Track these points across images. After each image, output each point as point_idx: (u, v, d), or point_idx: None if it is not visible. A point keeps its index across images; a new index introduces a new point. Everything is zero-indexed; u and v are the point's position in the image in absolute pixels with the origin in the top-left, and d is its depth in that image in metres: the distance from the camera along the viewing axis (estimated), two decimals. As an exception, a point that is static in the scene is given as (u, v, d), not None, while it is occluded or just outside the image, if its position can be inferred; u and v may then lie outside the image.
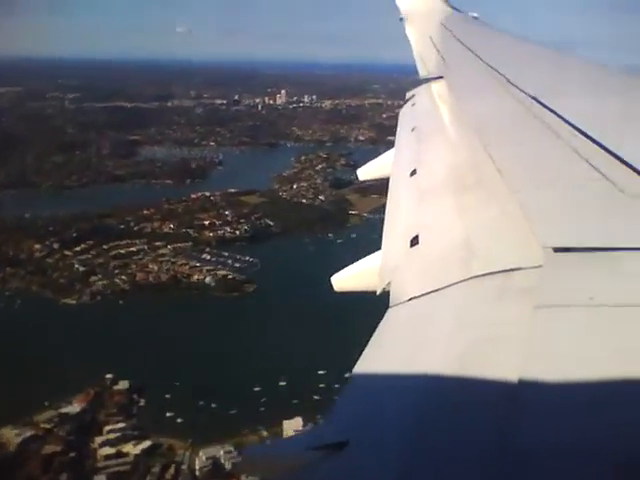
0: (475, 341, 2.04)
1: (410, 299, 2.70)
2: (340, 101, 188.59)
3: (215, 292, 70.69)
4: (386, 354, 2.33)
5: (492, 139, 4.16)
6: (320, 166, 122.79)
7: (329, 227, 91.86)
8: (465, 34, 10.35)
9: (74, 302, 67.39)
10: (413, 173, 4.67)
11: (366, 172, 7.12)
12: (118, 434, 46.49)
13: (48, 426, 46.61)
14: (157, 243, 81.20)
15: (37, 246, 77.03)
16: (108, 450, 44.64)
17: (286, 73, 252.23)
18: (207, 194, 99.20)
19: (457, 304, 2.47)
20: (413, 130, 6.30)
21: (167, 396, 50.83)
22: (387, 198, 4.58)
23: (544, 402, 1.54)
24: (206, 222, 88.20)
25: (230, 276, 73.88)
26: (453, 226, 3.38)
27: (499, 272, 2.46)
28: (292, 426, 47.08)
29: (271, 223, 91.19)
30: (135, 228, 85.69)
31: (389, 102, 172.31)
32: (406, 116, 7.40)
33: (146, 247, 79.97)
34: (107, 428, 47.20)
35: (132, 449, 45.06)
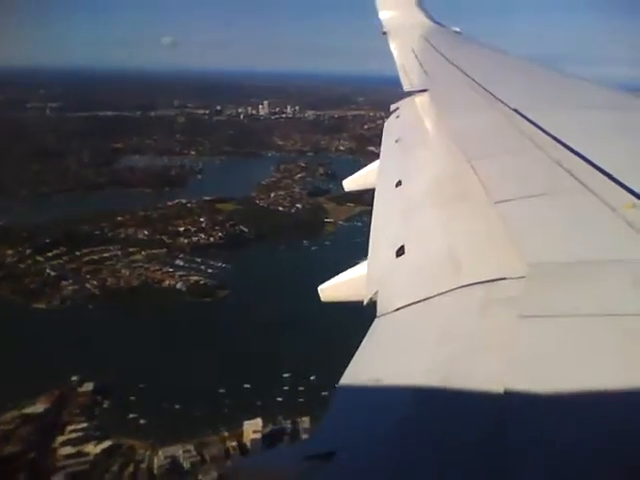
0: (461, 351, 2.06)
1: (397, 309, 2.71)
2: (323, 112, 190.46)
3: (186, 297, 71.20)
4: (373, 364, 2.33)
5: (475, 151, 4.22)
6: (299, 175, 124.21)
7: (304, 234, 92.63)
8: (448, 48, 10.62)
9: (44, 306, 67.76)
10: (398, 184, 4.69)
11: (351, 183, 7.05)
12: (80, 434, 46.93)
13: (10, 427, 46.71)
14: (131, 249, 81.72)
15: (9, 252, 77.20)
16: (68, 450, 45.00)
17: (271, 84, 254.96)
18: (183, 201, 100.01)
19: (443, 314, 2.49)
20: (397, 142, 6.31)
21: (132, 398, 51.44)
22: (372, 208, 4.59)
23: (530, 412, 1.56)
24: (181, 229, 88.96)
25: (202, 282, 74.63)
26: (438, 236, 3.41)
27: (484, 282, 2.49)
28: (252, 427, 47.98)
29: (246, 230, 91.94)
30: (109, 234, 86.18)
31: (371, 113, 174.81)
32: (391, 128, 7.31)
33: (119, 253, 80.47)
34: (69, 428, 47.54)
35: (93, 449, 45.47)
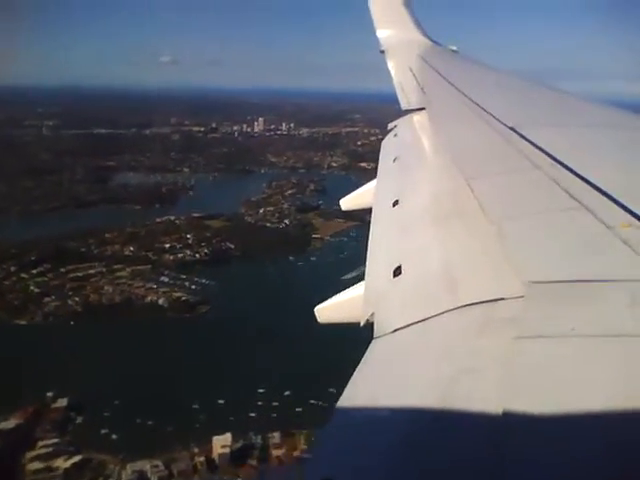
0: (460, 372, 2.03)
1: (394, 330, 2.67)
2: (317, 129, 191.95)
3: (167, 313, 71.91)
4: (371, 386, 2.30)
5: (472, 170, 4.20)
6: (290, 191, 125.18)
7: (290, 250, 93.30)
8: (445, 67, 10.59)
9: (26, 323, 68.45)
10: (395, 203, 4.65)
11: (349, 202, 6.91)
12: (50, 449, 47.30)
13: (-20, 442, 47.13)
14: (116, 266, 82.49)
15: (-5, 268, 78.10)
16: (37, 465, 45.41)
17: (267, 102, 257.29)
18: (172, 218, 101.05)
19: (441, 335, 2.47)
20: (395, 160, 6.25)
21: (106, 414, 51.77)
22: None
23: (528, 433, 1.56)
24: (167, 245, 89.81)
25: (184, 298, 75.30)
26: (435, 256, 3.36)
27: (482, 302, 2.47)
28: (221, 442, 48.36)
29: (232, 246, 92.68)
30: (95, 251, 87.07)
31: (365, 130, 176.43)
32: (388, 147, 7.27)
33: (104, 270, 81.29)
34: (40, 444, 47.89)
35: (62, 464, 45.84)
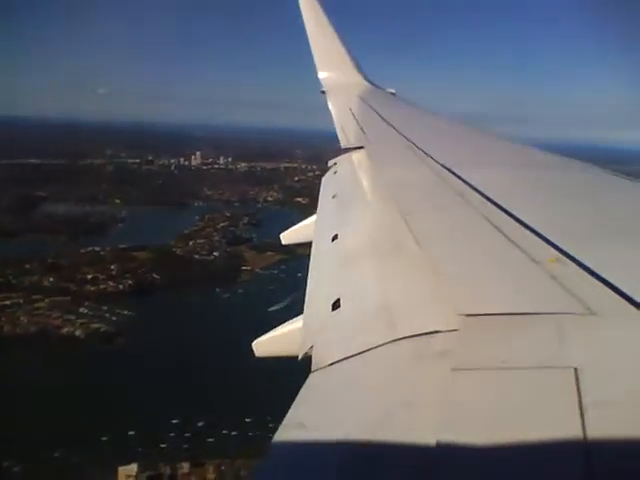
0: (394, 405, 2.05)
1: (332, 363, 2.67)
2: (256, 164, 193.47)
3: (83, 344, 70.34)
4: (307, 420, 2.26)
5: (409, 207, 4.32)
6: (222, 224, 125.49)
7: (218, 282, 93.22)
8: (383, 108, 10.91)
9: None
10: (335, 238, 4.70)
11: (289, 236, 6.96)
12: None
13: None
14: (34, 296, 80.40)
15: None
16: None
17: (207, 136, 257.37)
18: (97, 249, 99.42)
19: (378, 368, 2.49)
20: (335, 197, 6.37)
21: (9, 445, 49.99)
22: (309, 262, 4.55)
23: (461, 464, 1.59)
24: (89, 276, 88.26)
25: (103, 329, 74.09)
26: (373, 290, 3.40)
27: (418, 335, 2.51)
28: (127, 472, 47.61)
29: (157, 278, 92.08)
30: (13, 281, 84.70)
31: (304, 166, 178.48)
32: (328, 183, 7.39)
33: (21, 300, 79.10)
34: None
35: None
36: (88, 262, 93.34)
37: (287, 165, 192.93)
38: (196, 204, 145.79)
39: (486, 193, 4.25)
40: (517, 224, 3.50)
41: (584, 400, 1.72)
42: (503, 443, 1.59)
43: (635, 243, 3.24)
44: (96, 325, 74.67)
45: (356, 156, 7.79)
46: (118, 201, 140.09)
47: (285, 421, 2.21)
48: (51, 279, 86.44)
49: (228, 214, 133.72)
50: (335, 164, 8.10)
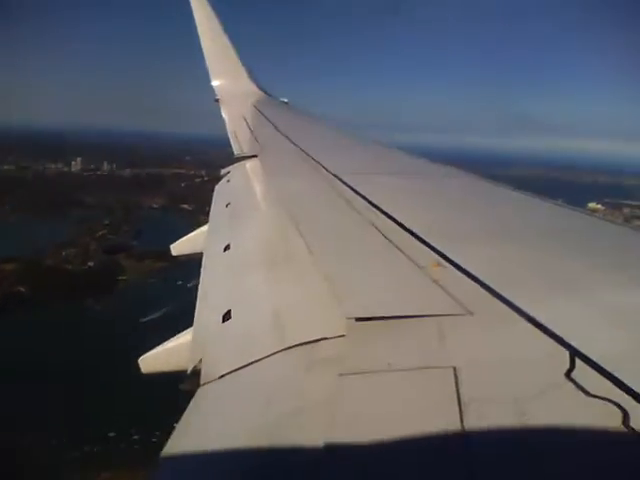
0: (284, 413, 2.09)
1: (221, 376, 2.66)
2: (142, 170, 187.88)
3: None
4: (197, 433, 2.28)
5: (301, 215, 4.32)
6: (101, 232, 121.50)
7: (91, 293, 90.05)
8: (277, 117, 11.06)
9: None
10: (227, 248, 4.65)
11: (179, 247, 6.78)
12: None
13: None
14: None
15: None
16: None
17: (91, 141, 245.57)
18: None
19: (267, 377, 2.50)
20: (228, 206, 6.29)
21: None
22: (200, 273, 4.48)
23: (349, 463, 1.66)
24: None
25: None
26: (264, 300, 3.40)
27: (306, 343, 2.55)
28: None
29: (23, 290, 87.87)
30: None
31: (192, 172, 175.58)
32: (221, 192, 7.35)
33: None
34: None
35: None
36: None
37: (175, 171, 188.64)
38: (74, 212, 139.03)
39: (373, 200, 4.36)
40: (402, 230, 3.62)
41: (462, 397, 1.83)
42: (389, 440, 1.67)
43: (508, 245, 3.42)
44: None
45: (250, 165, 7.82)
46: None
47: (173, 435, 2.23)
48: None
49: (108, 222, 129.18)
50: (228, 173, 8.16)
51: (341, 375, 2.07)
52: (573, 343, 2.12)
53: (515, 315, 2.40)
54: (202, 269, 4.59)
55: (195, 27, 14.15)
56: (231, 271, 4.20)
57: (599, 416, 1.69)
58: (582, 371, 1.95)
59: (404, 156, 7.55)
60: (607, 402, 1.75)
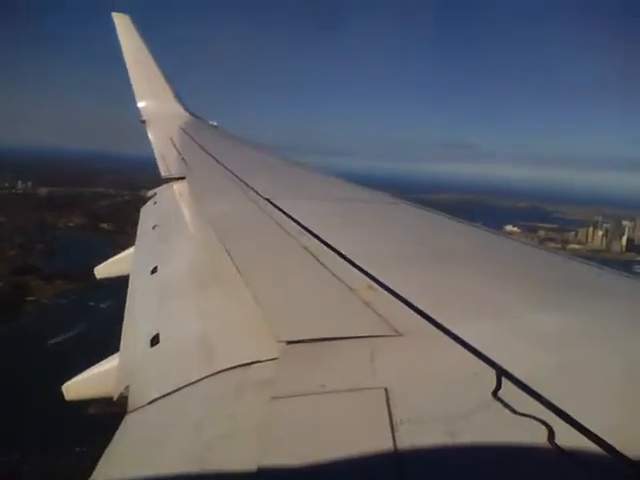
0: (216, 437, 2.06)
1: (150, 402, 2.59)
2: (59, 188, 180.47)
3: None
4: (123, 462, 2.22)
5: (230, 237, 4.25)
6: (12, 252, 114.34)
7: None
8: (206, 140, 10.94)
9: None
10: (154, 271, 4.57)
11: (103, 270, 6.61)
12: None
13: None
14: None
15: None
16: None
17: (6, 158, 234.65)
18: None
19: (197, 402, 2.45)
20: (154, 228, 6.19)
21: None
22: (127, 297, 4.33)
23: None
24: None
25: None
26: (193, 323, 3.36)
27: (238, 367, 2.55)
28: None
29: None
30: None
31: (113, 191, 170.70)
32: (148, 214, 7.21)
33: None
34: None
35: None
36: None
37: (95, 190, 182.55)
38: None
39: (304, 224, 4.36)
40: (333, 253, 3.64)
41: (394, 418, 1.86)
42: (321, 461, 1.68)
43: (434, 268, 3.47)
44: None
45: (177, 187, 7.81)
46: None
47: (101, 462, 2.19)
48: None
49: (20, 242, 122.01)
50: (155, 194, 8.11)
51: (274, 398, 2.08)
52: (499, 363, 2.20)
53: (444, 336, 2.47)
54: (128, 292, 4.52)
55: (120, 48, 14.06)
56: (159, 294, 4.15)
57: (525, 434, 1.76)
58: (508, 390, 2.03)
59: (333, 180, 7.69)
60: (533, 420, 1.82)
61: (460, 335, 2.45)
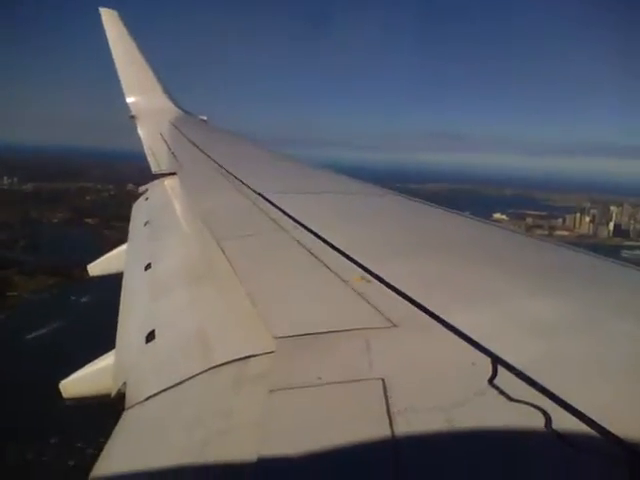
0: (215, 431, 2.07)
1: (147, 398, 2.61)
2: (45, 184, 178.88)
3: None
4: (123, 458, 2.24)
5: (223, 232, 4.19)
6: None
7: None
8: (196, 135, 10.87)
9: None
10: (148, 267, 4.57)
11: (97, 267, 6.58)
12: None
13: None
14: None
15: None
16: None
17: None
18: None
19: (195, 397, 2.46)
20: (147, 224, 6.21)
21: None
22: (121, 294, 4.31)
23: (282, 473, 1.67)
24: None
25: None
26: (189, 319, 3.38)
27: (234, 361, 2.56)
28: None
29: None
30: None
31: (99, 186, 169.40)
32: (140, 210, 7.23)
33: None
34: None
35: None
36: None
37: (81, 185, 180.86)
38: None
39: (297, 218, 4.34)
40: (326, 246, 3.63)
41: (392, 408, 1.87)
42: (321, 451, 1.70)
43: (425, 258, 3.47)
44: None
45: (168, 182, 7.79)
46: None
47: (99, 461, 2.18)
48: None
49: (3, 237, 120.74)
50: (147, 190, 8.06)
51: (271, 391, 2.08)
52: (494, 351, 2.22)
53: (438, 326, 2.48)
54: (122, 289, 4.50)
55: (107, 44, 13.93)
56: (153, 290, 4.12)
57: (522, 420, 1.77)
58: (504, 377, 2.04)
59: (325, 174, 7.63)
60: (529, 406, 1.84)
61: (454, 324, 2.45)
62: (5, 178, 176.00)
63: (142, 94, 14.23)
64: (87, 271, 6.66)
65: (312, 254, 3.55)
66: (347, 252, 3.52)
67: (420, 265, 3.37)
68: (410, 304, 2.71)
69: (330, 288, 3.00)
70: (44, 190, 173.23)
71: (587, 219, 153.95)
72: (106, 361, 3.66)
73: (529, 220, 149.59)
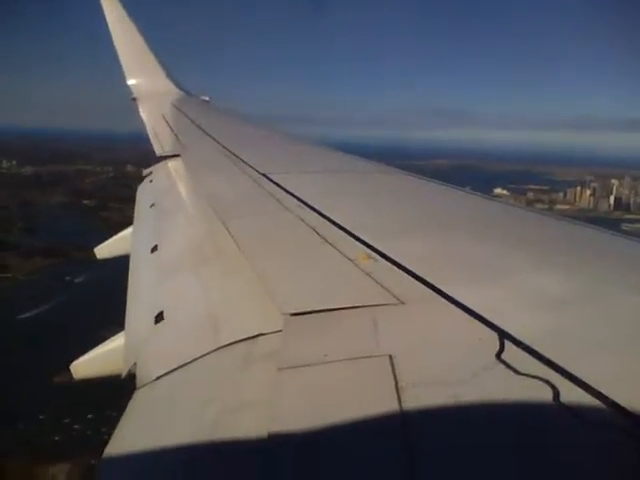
0: (225, 409, 2.09)
1: (157, 378, 2.63)
2: (44, 167, 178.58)
3: None
4: (135, 436, 2.26)
5: (228, 213, 4.17)
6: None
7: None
8: (199, 116, 10.78)
9: None
10: (154, 249, 4.57)
11: (104, 250, 6.65)
12: None
13: None
14: None
15: None
16: None
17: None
18: None
19: (204, 376, 2.48)
20: (152, 206, 6.17)
21: None
22: (129, 276, 4.33)
23: (296, 451, 1.66)
24: None
25: None
26: (197, 299, 3.39)
27: (243, 340, 2.57)
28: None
29: None
30: None
31: (98, 169, 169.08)
32: (145, 193, 7.22)
33: None
34: None
35: None
36: None
37: (80, 168, 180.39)
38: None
39: (301, 197, 4.31)
40: (331, 224, 3.61)
41: (400, 383, 1.88)
42: (330, 426, 1.71)
43: (430, 235, 3.46)
44: None
45: (172, 164, 7.70)
46: None
47: (111, 441, 2.20)
48: None
49: (1, 220, 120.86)
50: (151, 173, 7.99)
51: (280, 369, 2.09)
52: (501, 326, 2.21)
53: (445, 302, 2.47)
54: (130, 271, 4.50)
55: (106, 26, 13.83)
56: (161, 272, 4.11)
57: (530, 393, 1.78)
58: (512, 352, 2.04)
59: (328, 152, 7.58)
60: (537, 380, 1.84)
61: (461, 300, 2.45)
62: (4, 161, 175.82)
63: (143, 76, 14.13)
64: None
65: (317, 233, 3.52)
66: (353, 231, 3.49)
67: (425, 242, 3.35)
68: (416, 281, 2.70)
69: (336, 266, 2.97)
70: (43, 173, 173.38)
71: (588, 193, 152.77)
72: (116, 342, 3.70)
73: (530, 194, 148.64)
